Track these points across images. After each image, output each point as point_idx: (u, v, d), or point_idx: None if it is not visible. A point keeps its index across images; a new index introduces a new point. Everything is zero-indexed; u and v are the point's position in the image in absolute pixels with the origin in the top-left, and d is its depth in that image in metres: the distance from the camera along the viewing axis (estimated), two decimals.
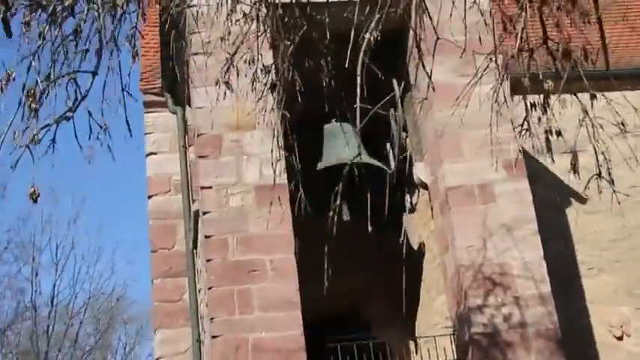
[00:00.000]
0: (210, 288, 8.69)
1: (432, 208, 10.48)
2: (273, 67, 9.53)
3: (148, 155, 11.94)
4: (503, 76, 9.82)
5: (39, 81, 5.64)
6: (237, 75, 8.38)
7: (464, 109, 9.61)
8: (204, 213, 8.96)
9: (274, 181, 9.10)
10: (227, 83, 8.44)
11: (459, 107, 9.64)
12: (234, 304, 8.65)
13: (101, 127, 5.81)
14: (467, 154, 9.44)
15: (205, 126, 9.26)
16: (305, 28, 7.68)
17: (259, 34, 7.45)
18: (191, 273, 10.94)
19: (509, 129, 9.15)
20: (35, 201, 5.66)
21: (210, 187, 9.04)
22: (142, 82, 12.31)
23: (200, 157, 9.17)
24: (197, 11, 9.59)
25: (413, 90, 10.32)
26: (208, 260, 8.79)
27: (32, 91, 5.63)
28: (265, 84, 9.15)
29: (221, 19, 9.57)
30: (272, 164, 9.08)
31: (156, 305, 11.36)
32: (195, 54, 9.46)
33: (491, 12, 7.69)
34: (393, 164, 10.38)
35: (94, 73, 5.88)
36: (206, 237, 8.87)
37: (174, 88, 11.89)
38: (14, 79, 5.66)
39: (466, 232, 9.14)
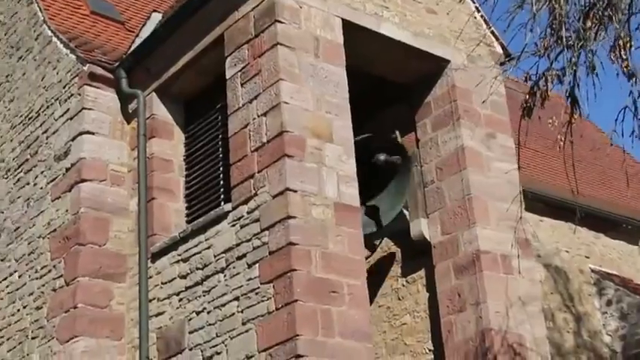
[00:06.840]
0: (295, 301, 7.75)
1: (398, 266, 10.50)
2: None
3: (83, 133, 10.17)
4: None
5: None
6: None
7: (485, 179, 9.98)
8: (289, 217, 8.03)
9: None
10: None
11: (483, 176, 9.99)
12: (317, 324, 7.83)
13: None
14: (492, 223, 9.69)
15: (291, 125, 8.41)
16: None
17: None
18: (144, 279, 9.44)
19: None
20: None
21: (296, 192, 8.17)
22: (84, 48, 10.58)
23: (287, 155, 8.24)
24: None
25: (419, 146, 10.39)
26: (293, 270, 7.86)
27: None
28: None
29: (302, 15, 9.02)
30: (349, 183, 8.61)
31: (79, 308, 9.45)
32: (281, 44, 8.70)
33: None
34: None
35: None
36: (291, 244, 7.93)
37: (134, 68, 10.43)
38: None
39: (495, 298, 9.31)
